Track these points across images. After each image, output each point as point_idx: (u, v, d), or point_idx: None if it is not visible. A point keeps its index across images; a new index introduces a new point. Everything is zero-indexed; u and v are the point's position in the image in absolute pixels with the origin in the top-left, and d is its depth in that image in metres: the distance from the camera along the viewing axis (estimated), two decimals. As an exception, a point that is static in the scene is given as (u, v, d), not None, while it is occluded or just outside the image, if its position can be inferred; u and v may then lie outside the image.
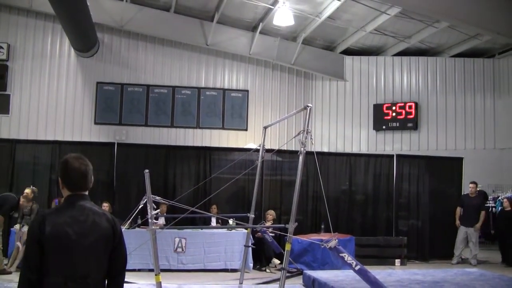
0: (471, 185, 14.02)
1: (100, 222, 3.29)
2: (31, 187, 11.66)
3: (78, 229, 3.21)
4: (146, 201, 7.49)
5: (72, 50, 18.30)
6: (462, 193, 15.13)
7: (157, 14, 18.29)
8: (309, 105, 7.47)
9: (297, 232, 11.03)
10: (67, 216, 3.25)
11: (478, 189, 15.25)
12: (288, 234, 7.30)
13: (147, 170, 7.34)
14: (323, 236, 11.32)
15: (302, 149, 7.30)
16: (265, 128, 10.39)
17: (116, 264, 3.36)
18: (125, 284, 3.51)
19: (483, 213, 13.86)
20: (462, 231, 13.92)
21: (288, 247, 7.34)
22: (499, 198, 16.49)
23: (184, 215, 8.73)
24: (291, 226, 7.30)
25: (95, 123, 18.50)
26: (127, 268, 3.55)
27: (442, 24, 16.47)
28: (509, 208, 13.97)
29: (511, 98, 18.71)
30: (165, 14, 18.29)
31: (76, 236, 3.19)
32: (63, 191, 3.41)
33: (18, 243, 11.06)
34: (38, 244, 3.16)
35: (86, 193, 3.44)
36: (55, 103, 18.22)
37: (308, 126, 7.36)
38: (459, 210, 14.03)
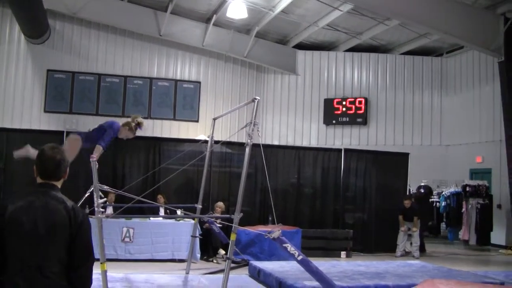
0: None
1: (56, 210, 3.24)
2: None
3: (33, 215, 3.17)
4: (93, 190, 7.48)
5: (22, 36, 17.91)
6: (408, 188, 15.61)
7: (110, 2, 18.08)
8: (257, 97, 7.58)
9: (245, 223, 11.21)
10: (24, 202, 3.23)
11: (423, 184, 16.44)
12: (233, 225, 7.40)
13: (94, 158, 7.31)
14: (270, 227, 11.45)
15: (248, 141, 7.41)
16: (214, 119, 10.47)
17: (76, 255, 3.24)
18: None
19: (415, 218, 14.37)
20: (405, 225, 14.42)
21: (233, 237, 7.44)
22: (443, 193, 17.07)
23: (130, 204, 8.76)
24: (236, 216, 7.40)
25: (45, 111, 18.20)
26: None
27: (393, 22, 16.84)
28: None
29: (457, 96, 19.27)
30: (119, 3, 18.11)
31: (29, 223, 3.15)
32: (36, 179, 3.41)
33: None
34: None
35: (58, 183, 3.47)
36: (3, 90, 17.82)
37: (255, 118, 7.47)
38: (401, 217, 14.46)
